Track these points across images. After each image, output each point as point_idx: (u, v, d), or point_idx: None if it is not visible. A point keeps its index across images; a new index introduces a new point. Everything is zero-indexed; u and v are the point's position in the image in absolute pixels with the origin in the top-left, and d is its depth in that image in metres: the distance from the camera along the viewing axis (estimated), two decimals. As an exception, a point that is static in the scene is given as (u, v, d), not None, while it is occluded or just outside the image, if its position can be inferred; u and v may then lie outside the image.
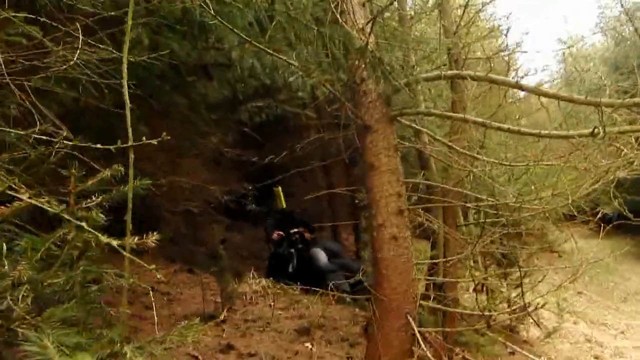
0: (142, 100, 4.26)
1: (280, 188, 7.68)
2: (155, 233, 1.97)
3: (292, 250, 7.35)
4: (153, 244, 1.78)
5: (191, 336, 1.73)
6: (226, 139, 7.02)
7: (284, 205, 7.85)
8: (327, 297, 5.69)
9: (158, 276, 6.25)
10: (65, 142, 2.26)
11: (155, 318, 4.70)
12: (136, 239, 1.89)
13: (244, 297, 5.88)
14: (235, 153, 7.18)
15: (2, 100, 2.98)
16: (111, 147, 1.71)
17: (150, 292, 5.46)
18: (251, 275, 6.29)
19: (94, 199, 1.93)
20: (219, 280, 5.71)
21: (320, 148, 8.00)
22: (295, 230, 7.51)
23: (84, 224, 1.64)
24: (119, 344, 1.57)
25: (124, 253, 1.85)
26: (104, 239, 1.58)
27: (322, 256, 6.95)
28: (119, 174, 1.90)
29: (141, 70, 3.86)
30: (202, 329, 1.97)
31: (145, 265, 1.94)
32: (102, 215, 1.71)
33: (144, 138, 1.80)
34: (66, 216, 1.67)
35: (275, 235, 7.43)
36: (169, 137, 1.79)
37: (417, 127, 4.35)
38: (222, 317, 5.12)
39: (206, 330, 4.91)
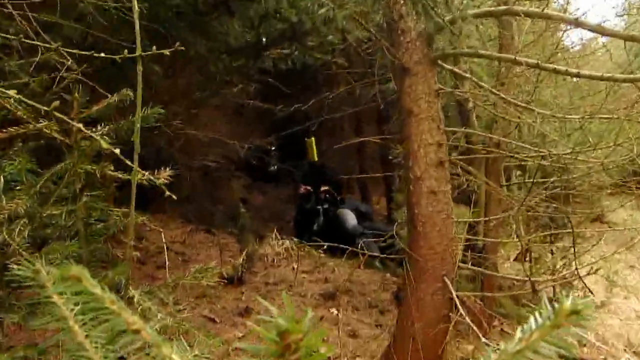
0: (155, 38, 4.15)
1: (313, 139, 7.59)
2: (167, 170, 1.87)
3: (319, 207, 7.32)
4: (165, 180, 1.68)
5: (207, 278, 1.65)
6: (248, 88, 6.91)
7: (316, 158, 7.78)
8: (354, 261, 5.64)
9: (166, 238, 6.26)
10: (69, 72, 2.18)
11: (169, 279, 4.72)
12: (146, 174, 1.79)
13: (265, 259, 5.87)
14: (258, 104, 7.08)
15: (5, 30, 2.90)
16: (116, 57, 1.61)
17: (166, 251, 5.47)
18: (273, 237, 6.25)
19: (99, 128, 1.83)
20: (239, 241, 5.71)
21: (350, 100, 7.89)
22: (325, 188, 7.47)
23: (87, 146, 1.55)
24: (124, 286, 1.50)
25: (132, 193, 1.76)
26: (105, 143, 1.49)
27: (350, 218, 6.89)
28: (128, 99, 1.80)
29: (154, 3, 3.74)
30: (218, 272, 1.90)
31: (150, 224, 1.85)
32: (109, 142, 1.61)
33: (154, 48, 1.68)
34: (67, 141, 1.58)
35: (302, 189, 7.40)
36: (182, 48, 1.66)
37: (460, 72, 4.18)
38: (240, 277, 5.09)
39: (224, 292, 4.89)
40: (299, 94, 7.40)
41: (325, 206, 7.37)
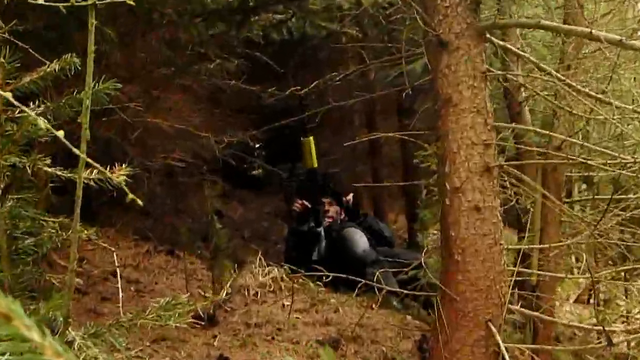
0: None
1: (311, 139, 7.46)
2: (124, 166, 1.79)
3: (320, 229, 7.23)
4: (120, 178, 1.60)
5: (176, 319, 1.58)
6: (228, 65, 6.84)
7: (315, 164, 7.63)
8: (366, 297, 5.55)
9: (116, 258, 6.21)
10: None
11: (123, 316, 4.64)
12: (95, 172, 1.71)
13: (246, 292, 5.78)
14: (241, 86, 7.01)
15: None
16: (61, 4, 1.52)
17: (118, 278, 5.40)
18: (257, 262, 6.17)
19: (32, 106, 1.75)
20: (211, 267, 5.62)
21: (363, 84, 7.86)
22: (349, 198, 7.43)
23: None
24: (61, 324, 1.42)
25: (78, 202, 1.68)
26: (44, 123, 1.40)
27: (360, 240, 6.81)
28: (73, 68, 1.72)
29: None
30: (191, 309, 1.83)
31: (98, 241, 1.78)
32: (47, 125, 1.52)
33: None
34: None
35: (296, 205, 7.31)
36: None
37: (515, 49, 4.14)
38: (213, 316, 5.02)
39: (191, 334, 4.82)
40: (296, 75, 7.38)
41: (329, 221, 7.29)
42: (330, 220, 7.44)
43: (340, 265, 6.04)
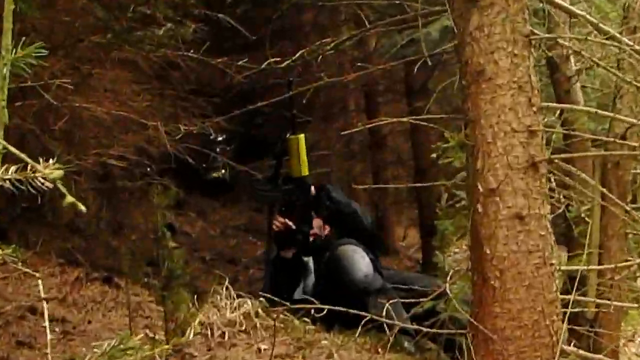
0: None
1: (302, 136, 7.29)
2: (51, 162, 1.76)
3: (308, 258, 7.14)
4: (54, 174, 1.55)
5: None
6: (182, 31, 6.79)
7: (306, 171, 7.48)
8: (369, 337, 5.51)
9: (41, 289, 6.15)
10: None
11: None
12: (12, 170, 1.67)
13: (210, 332, 5.72)
14: (200, 58, 6.97)
15: None
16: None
17: (45, 316, 5.37)
18: (223, 293, 6.11)
19: None
20: (162, 300, 5.57)
21: (360, 56, 7.83)
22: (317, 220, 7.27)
23: None
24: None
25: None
26: None
27: (361, 260, 6.74)
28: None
29: None
30: (148, 355, 1.79)
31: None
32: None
33: None
34: None
35: (276, 225, 7.18)
36: None
37: (567, 6, 4.12)
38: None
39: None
40: (273, 43, 7.31)
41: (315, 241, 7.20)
42: (313, 237, 7.35)
43: (335, 295, 6.02)
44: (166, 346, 3.09)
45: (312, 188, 7.34)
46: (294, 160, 7.10)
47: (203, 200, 10.00)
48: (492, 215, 3.58)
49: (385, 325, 4.40)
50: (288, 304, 5.63)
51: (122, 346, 1.82)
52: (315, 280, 6.93)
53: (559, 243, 6.51)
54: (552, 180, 4.91)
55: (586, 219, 5.30)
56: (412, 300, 5.37)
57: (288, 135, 7.06)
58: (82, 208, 1.53)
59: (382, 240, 7.35)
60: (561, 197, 5.34)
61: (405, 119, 5.69)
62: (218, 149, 9.79)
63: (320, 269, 6.97)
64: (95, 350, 1.79)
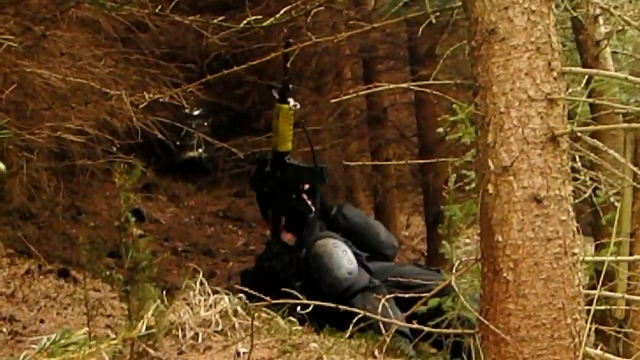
0: None
1: (289, 105, 7.26)
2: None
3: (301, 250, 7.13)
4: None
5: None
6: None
7: (289, 146, 7.44)
8: (365, 340, 5.50)
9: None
10: None
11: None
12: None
13: (181, 332, 5.71)
14: (171, 19, 6.93)
15: None
16: None
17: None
18: (197, 288, 6.10)
19: None
20: (126, 296, 5.56)
21: (356, 16, 7.81)
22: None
23: None
24: None
25: None
26: None
27: (343, 255, 6.71)
28: None
29: None
30: (93, 351, 1.77)
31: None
32: None
33: None
34: None
35: (287, 236, 7.17)
36: None
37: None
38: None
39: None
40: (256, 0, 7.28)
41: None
42: (306, 208, 7.32)
43: (317, 297, 6.01)
44: (114, 342, 3.02)
45: (332, 209, 7.43)
46: (279, 130, 7.11)
47: (176, 183, 10.00)
48: (505, 197, 3.56)
49: (381, 326, 4.37)
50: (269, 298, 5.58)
51: (63, 342, 1.79)
52: (293, 276, 6.90)
53: (585, 232, 6.52)
54: (577, 159, 4.90)
55: (615, 203, 5.28)
56: (409, 296, 5.34)
57: (278, 102, 7.07)
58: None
59: (394, 254, 7.35)
60: (587, 179, 5.32)
61: (404, 85, 5.62)
62: (194, 124, 9.78)
63: (297, 268, 6.95)
64: (33, 346, 1.77)
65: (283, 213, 7.17)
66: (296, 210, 7.12)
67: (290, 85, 7.00)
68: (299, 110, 8.58)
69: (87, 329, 3.93)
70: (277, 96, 7.01)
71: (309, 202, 7.20)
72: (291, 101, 7.01)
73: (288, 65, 6.64)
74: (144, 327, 3.74)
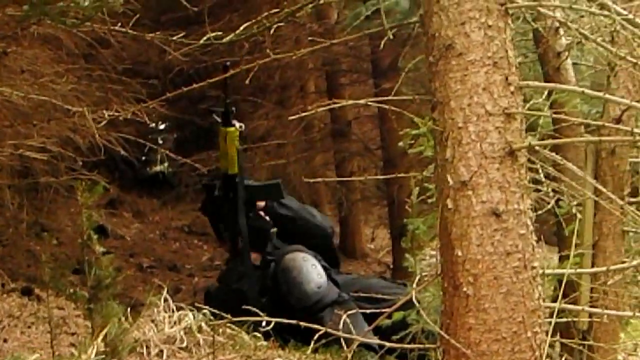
0: None
1: (236, 128, 7.25)
2: None
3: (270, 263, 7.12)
4: None
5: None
6: (112, 2, 6.74)
7: (235, 170, 7.41)
8: (331, 354, 5.49)
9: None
10: None
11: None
12: None
13: (145, 350, 5.69)
14: (134, 35, 6.92)
15: None
16: None
17: None
18: (162, 305, 6.08)
19: None
20: (90, 314, 5.54)
21: (319, 30, 7.82)
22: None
23: None
24: None
25: None
26: None
27: (312, 269, 6.70)
28: None
29: None
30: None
31: None
32: None
33: None
34: None
35: (253, 255, 7.15)
36: None
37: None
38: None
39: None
40: (219, 16, 7.28)
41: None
42: (267, 224, 7.30)
43: (286, 311, 6.02)
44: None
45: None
46: (232, 155, 7.12)
47: (140, 199, 9.97)
48: (464, 212, 3.56)
49: (343, 340, 4.38)
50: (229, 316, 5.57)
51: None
52: (259, 293, 6.87)
53: (550, 243, 6.54)
54: (540, 170, 4.91)
55: (578, 215, 5.29)
56: (376, 311, 5.36)
57: (222, 125, 7.06)
58: None
59: (337, 257, 7.33)
60: (550, 190, 5.34)
61: (363, 102, 5.59)
62: (159, 139, 9.76)
63: (264, 282, 6.94)
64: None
65: (239, 234, 7.16)
66: (257, 228, 7.11)
67: (233, 108, 7.02)
68: (265, 124, 8.61)
69: (38, 355, 3.92)
70: (219, 120, 7.03)
71: (267, 218, 7.21)
72: (236, 123, 7.03)
73: (228, 86, 6.72)
74: (94, 354, 3.74)
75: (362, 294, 6.64)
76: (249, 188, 7.20)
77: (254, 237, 7.10)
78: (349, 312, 5.44)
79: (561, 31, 5.77)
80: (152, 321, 6.05)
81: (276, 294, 6.75)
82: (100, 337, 4.89)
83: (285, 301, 6.57)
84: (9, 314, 6.19)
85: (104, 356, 5.14)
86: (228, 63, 6.58)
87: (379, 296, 6.26)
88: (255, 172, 9.44)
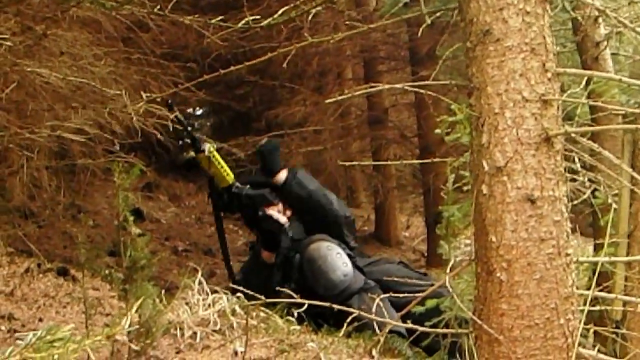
0: None
1: (208, 149, 7.26)
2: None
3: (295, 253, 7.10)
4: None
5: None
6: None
7: (229, 181, 7.41)
8: (363, 339, 5.50)
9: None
10: None
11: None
12: None
13: (178, 332, 5.70)
14: (171, 19, 6.94)
15: None
16: None
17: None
18: (196, 288, 6.09)
19: None
20: (124, 295, 5.55)
21: (357, 17, 7.80)
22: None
23: None
24: None
25: None
26: None
27: (338, 258, 6.68)
28: None
29: None
30: (78, 347, 1.77)
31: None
32: None
33: None
34: None
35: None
36: None
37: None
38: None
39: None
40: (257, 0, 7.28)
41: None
42: (276, 225, 7.26)
43: (313, 297, 6.00)
44: (98, 337, 3.02)
45: (282, 172, 7.33)
46: (217, 173, 7.15)
47: (176, 183, 9.96)
48: (498, 198, 3.57)
49: (376, 326, 4.38)
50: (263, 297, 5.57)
51: (48, 337, 1.80)
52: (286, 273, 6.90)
53: (585, 234, 6.51)
54: (576, 158, 4.90)
55: (613, 204, 5.27)
56: (404, 296, 5.34)
57: (201, 150, 7.07)
58: None
59: (348, 244, 7.26)
60: (586, 179, 5.31)
61: (399, 85, 5.56)
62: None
63: (289, 272, 6.93)
64: (19, 341, 1.77)
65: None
66: (266, 229, 7.11)
67: (197, 135, 7.07)
68: (302, 110, 8.61)
69: (72, 325, 3.93)
70: (192, 150, 7.10)
71: (277, 216, 7.17)
72: (206, 146, 7.09)
73: (191, 115, 6.76)
74: (128, 324, 3.75)
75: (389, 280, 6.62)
76: (247, 196, 7.20)
77: (265, 238, 7.12)
78: (382, 297, 5.44)
79: (600, 20, 5.73)
80: (187, 304, 6.05)
81: (303, 284, 6.73)
82: (133, 310, 4.89)
83: (312, 291, 6.55)
84: (45, 293, 6.19)
85: (137, 338, 5.16)
86: (171, 101, 6.65)
87: (404, 282, 6.25)
88: (291, 159, 9.47)
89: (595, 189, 5.40)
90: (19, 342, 1.85)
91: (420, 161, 8.04)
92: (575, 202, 5.22)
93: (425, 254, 9.69)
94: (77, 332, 5.35)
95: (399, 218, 9.97)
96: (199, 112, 9.30)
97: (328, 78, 9.95)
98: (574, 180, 5.20)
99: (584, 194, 5.38)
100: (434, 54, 7.88)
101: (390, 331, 5.43)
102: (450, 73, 7.59)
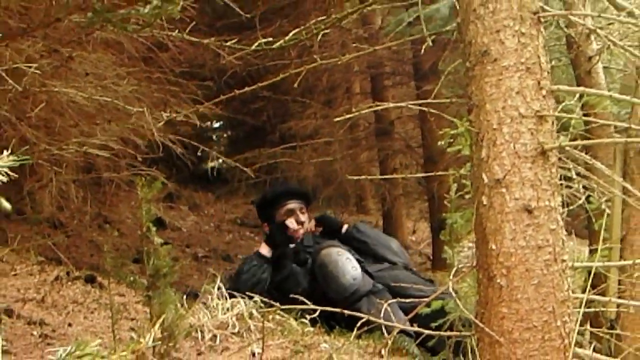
0: None
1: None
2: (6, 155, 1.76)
3: (307, 255, 7.14)
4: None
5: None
6: (171, 9, 6.75)
7: None
8: (373, 340, 5.57)
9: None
10: None
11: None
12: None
13: (200, 335, 5.71)
14: (190, 40, 6.94)
15: None
16: None
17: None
18: (215, 293, 6.10)
19: None
20: (148, 300, 5.56)
21: (364, 36, 7.80)
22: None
23: None
24: None
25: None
26: None
27: (347, 263, 6.67)
28: None
29: None
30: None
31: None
32: None
33: None
34: None
35: (264, 248, 7.21)
36: None
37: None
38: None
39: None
40: (270, 22, 7.28)
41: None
42: (298, 235, 7.33)
43: (325, 302, 6.00)
44: (124, 352, 3.03)
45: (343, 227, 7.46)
46: None
47: (196, 193, 9.98)
48: (498, 208, 3.57)
49: (384, 327, 4.39)
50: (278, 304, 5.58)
51: (77, 353, 1.81)
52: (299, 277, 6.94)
53: (580, 236, 6.50)
54: (571, 168, 4.90)
55: (607, 211, 5.27)
56: (410, 301, 5.34)
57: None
58: (7, 206, 1.52)
59: (409, 265, 7.37)
60: (580, 187, 5.31)
61: (403, 104, 5.58)
62: (212, 137, 9.78)
63: (303, 276, 6.97)
64: (50, 357, 1.79)
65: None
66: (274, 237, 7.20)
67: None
68: (313, 123, 8.58)
69: (100, 340, 3.94)
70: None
71: (295, 226, 7.25)
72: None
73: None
74: (151, 340, 3.75)
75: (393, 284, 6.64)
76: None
77: (272, 239, 7.19)
78: (390, 302, 5.43)
79: (592, 37, 5.73)
80: (207, 308, 6.07)
81: (315, 287, 6.75)
82: (158, 324, 4.90)
83: (324, 293, 6.56)
84: (74, 300, 6.20)
85: (160, 342, 5.17)
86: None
87: (410, 287, 6.29)
88: (302, 169, 9.49)
89: (589, 195, 5.40)
90: (50, 358, 1.87)
91: (425, 174, 8.01)
92: (571, 207, 5.23)
93: (431, 257, 9.68)
94: (104, 337, 5.39)
95: (405, 223, 9.95)
96: (216, 125, 9.31)
97: (337, 92, 9.96)
98: (569, 187, 5.20)
99: (579, 199, 5.38)
100: (436, 69, 7.87)
101: (400, 332, 5.44)
102: (452, 87, 7.61)
